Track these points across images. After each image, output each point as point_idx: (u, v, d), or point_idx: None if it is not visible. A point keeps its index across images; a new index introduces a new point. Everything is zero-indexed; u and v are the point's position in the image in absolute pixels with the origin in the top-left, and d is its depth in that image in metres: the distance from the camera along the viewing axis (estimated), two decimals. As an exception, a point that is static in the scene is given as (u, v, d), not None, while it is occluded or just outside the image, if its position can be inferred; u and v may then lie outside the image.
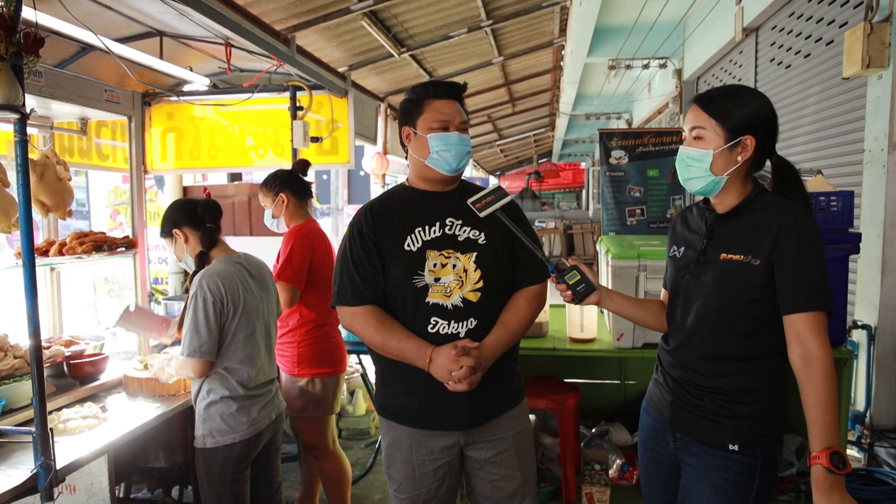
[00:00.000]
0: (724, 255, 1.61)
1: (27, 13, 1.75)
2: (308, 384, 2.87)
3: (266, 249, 3.04)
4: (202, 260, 2.31)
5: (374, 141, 6.20)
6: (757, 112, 1.58)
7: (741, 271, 1.58)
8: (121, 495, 3.02)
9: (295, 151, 3.70)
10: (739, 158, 1.59)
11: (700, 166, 1.61)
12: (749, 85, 5.61)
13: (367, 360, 3.92)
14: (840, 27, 3.99)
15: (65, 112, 3.00)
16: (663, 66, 7.66)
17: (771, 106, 1.62)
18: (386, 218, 1.86)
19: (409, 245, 1.82)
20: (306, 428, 2.96)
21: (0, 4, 1.61)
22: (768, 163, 1.68)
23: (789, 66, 4.88)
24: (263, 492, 2.49)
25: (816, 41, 4.39)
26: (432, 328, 1.79)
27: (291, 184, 2.97)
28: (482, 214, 1.74)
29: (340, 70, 5.43)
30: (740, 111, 1.58)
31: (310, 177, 3.11)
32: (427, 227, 1.83)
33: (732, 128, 1.58)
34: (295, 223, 2.96)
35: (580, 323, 2.80)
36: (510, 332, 1.83)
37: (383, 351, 1.81)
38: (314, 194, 3.11)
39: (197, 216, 2.34)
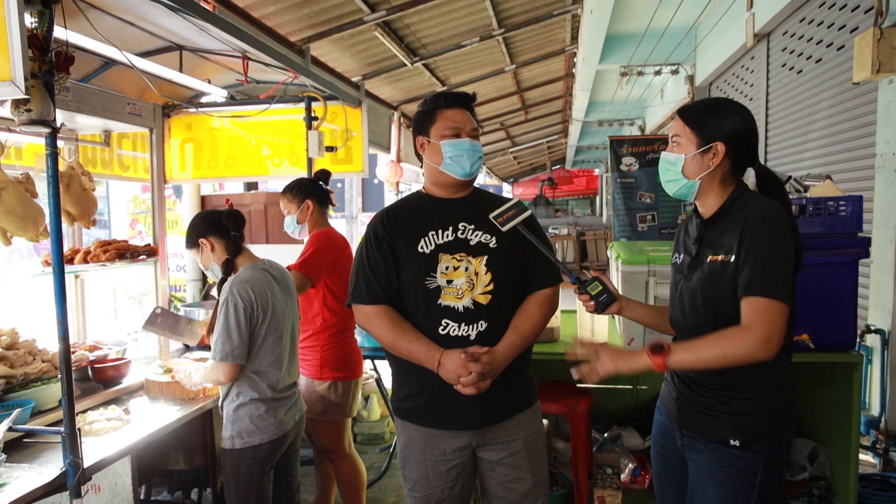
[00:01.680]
0: (710, 258, 1.68)
1: (58, 32, 1.83)
2: (330, 388, 2.92)
3: (282, 257, 3.09)
4: (228, 267, 2.39)
5: (387, 149, 6.28)
6: (732, 125, 1.67)
7: (722, 270, 1.64)
8: (142, 497, 3.09)
9: (310, 161, 3.78)
10: (711, 164, 1.68)
11: (674, 169, 1.73)
12: (761, 91, 5.63)
13: (382, 365, 3.98)
14: (851, 32, 4.01)
15: (89, 125, 3.10)
16: (675, 72, 7.68)
17: (749, 121, 1.70)
18: (401, 221, 1.93)
19: (422, 247, 1.88)
20: (324, 431, 3.01)
21: (34, 25, 1.70)
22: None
23: (801, 71, 4.89)
24: (283, 492, 2.54)
25: (827, 46, 4.40)
26: (443, 330, 1.84)
27: (316, 191, 3.06)
28: (504, 229, 1.81)
29: (354, 80, 5.53)
30: (713, 121, 1.68)
31: (330, 185, 3.20)
32: (440, 231, 1.89)
33: (704, 135, 1.68)
34: (318, 230, 3.04)
35: (591, 328, 2.84)
36: (523, 337, 1.87)
37: (394, 350, 1.87)
38: (335, 203, 3.20)
39: (222, 225, 2.41)
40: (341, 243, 3.03)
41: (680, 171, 1.71)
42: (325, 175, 3.17)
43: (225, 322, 2.23)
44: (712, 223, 1.72)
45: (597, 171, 22.06)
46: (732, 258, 1.61)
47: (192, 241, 2.43)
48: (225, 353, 2.21)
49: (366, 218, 10.75)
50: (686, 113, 1.73)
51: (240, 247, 2.43)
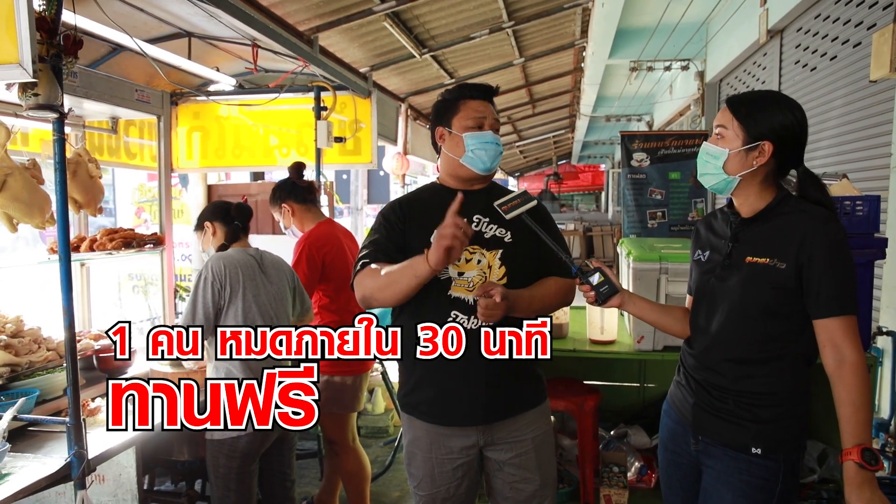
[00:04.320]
0: (749, 259, 1.62)
1: (66, 16, 1.80)
2: (328, 381, 2.90)
3: (288, 247, 3.08)
4: (221, 251, 2.45)
5: (394, 141, 6.24)
6: (782, 122, 1.60)
7: (767, 274, 1.58)
8: (145, 487, 3.08)
9: (318, 151, 3.75)
10: (755, 163, 1.61)
11: (715, 163, 1.65)
12: (773, 88, 5.56)
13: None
14: (868, 29, 3.94)
15: (97, 111, 3.07)
16: (685, 68, 7.60)
17: (801, 119, 1.62)
18: (415, 212, 1.90)
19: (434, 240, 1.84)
20: (327, 423, 3.00)
21: (42, 7, 1.66)
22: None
23: (815, 68, 4.82)
24: (276, 488, 2.52)
25: (843, 43, 4.33)
26: (452, 321, 1.80)
27: (289, 191, 3.02)
28: (508, 217, 1.77)
29: (362, 71, 5.48)
30: (764, 118, 1.60)
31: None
32: None
33: (752, 132, 1.60)
34: (306, 227, 3.00)
35: (600, 325, 2.81)
36: (532, 294, 1.82)
37: (395, 286, 1.73)
38: (320, 191, 3.15)
39: (229, 214, 2.50)
40: (328, 240, 2.95)
41: (721, 165, 1.63)
42: (296, 169, 3.08)
43: (193, 295, 2.28)
44: (752, 223, 1.66)
45: (603, 167, 21.97)
46: (784, 266, 1.56)
47: (199, 223, 2.53)
48: (186, 324, 2.24)
49: (371, 210, 10.73)
50: (736, 104, 1.64)
51: (238, 236, 2.51)
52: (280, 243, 3.52)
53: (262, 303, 2.39)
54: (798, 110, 1.63)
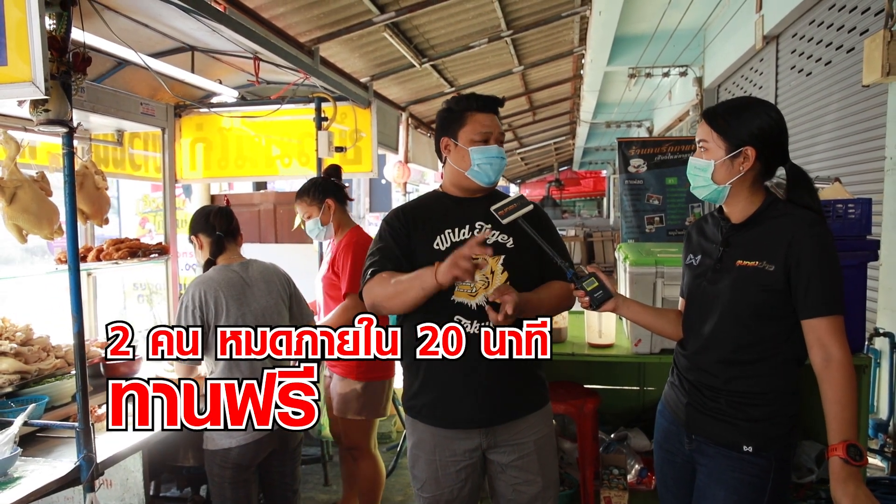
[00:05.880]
0: (740, 262, 1.66)
1: (75, 33, 1.86)
2: (366, 387, 2.89)
3: (291, 256, 3.12)
4: (208, 267, 2.41)
5: (395, 150, 6.30)
6: (760, 126, 1.64)
7: (756, 277, 1.62)
8: (151, 493, 3.12)
9: (320, 161, 3.80)
10: (742, 168, 1.66)
11: (704, 175, 1.70)
12: (770, 93, 5.62)
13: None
14: (861, 35, 4.00)
15: (103, 124, 3.14)
16: (684, 73, 7.67)
17: (777, 118, 1.67)
18: (418, 218, 1.93)
19: (437, 244, 1.88)
20: (354, 429, 2.97)
21: (52, 26, 1.73)
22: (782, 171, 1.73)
23: (810, 73, 4.88)
24: (278, 498, 2.53)
25: (837, 49, 4.39)
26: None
27: (332, 189, 3.00)
28: (504, 222, 1.79)
29: (363, 80, 5.56)
30: (741, 125, 1.65)
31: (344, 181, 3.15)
32: (457, 230, 1.90)
33: (733, 140, 1.65)
34: (343, 229, 2.98)
35: (598, 329, 2.85)
36: (538, 296, 1.85)
37: (403, 297, 1.78)
38: (352, 198, 3.15)
39: (209, 224, 2.43)
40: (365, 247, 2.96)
41: (709, 177, 1.68)
42: (336, 171, 3.11)
43: (177, 321, 2.29)
44: (742, 228, 1.71)
45: (604, 173, 22.02)
46: (773, 268, 1.61)
47: (189, 236, 2.50)
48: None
49: (373, 218, 10.79)
50: (712, 117, 1.69)
51: (223, 247, 2.43)
52: (283, 252, 3.57)
53: (249, 321, 2.37)
54: (773, 110, 1.67)
